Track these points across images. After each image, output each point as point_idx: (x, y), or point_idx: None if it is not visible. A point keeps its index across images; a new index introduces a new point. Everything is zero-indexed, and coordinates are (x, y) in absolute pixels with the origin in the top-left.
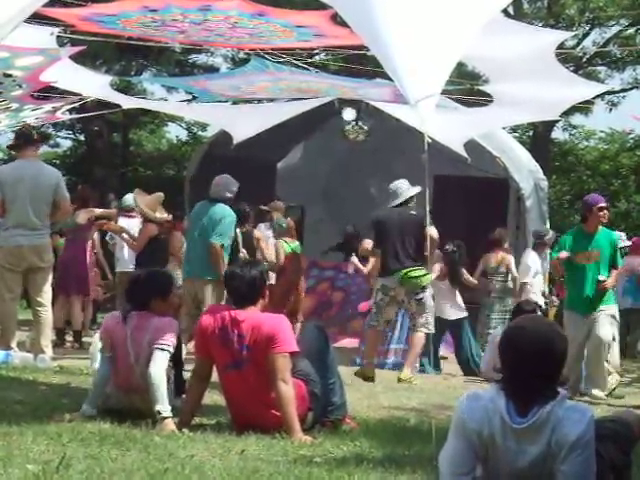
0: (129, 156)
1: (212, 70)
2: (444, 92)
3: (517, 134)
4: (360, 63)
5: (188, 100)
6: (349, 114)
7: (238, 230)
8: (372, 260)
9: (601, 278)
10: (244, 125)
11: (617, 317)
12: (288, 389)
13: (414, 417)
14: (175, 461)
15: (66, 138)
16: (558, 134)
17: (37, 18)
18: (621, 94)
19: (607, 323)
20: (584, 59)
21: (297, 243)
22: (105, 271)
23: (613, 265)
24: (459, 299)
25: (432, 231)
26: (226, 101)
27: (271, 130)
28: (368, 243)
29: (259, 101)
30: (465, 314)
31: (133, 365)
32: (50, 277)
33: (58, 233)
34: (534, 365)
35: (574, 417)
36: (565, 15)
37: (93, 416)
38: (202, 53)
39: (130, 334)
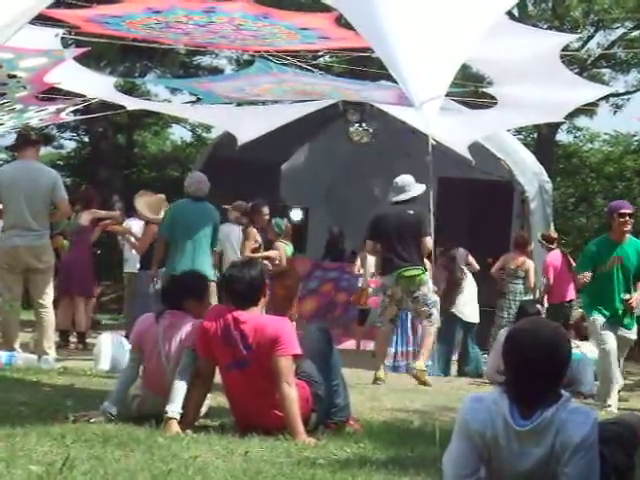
0: (133, 157)
1: (216, 72)
2: (448, 94)
3: (521, 136)
4: (364, 65)
5: (192, 102)
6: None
7: None
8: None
9: (626, 297)
10: (248, 127)
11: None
12: (291, 391)
13: (418, 419)
14: (179, 462)
15: (70, 139)
16: (562, 136)
17: (41, 19)
18: (626, 96)
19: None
20: (589, 61)
21: (291, 245)
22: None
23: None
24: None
25: (428, 242)
26: (230, 103)
27: (275, 132)
28: (370, 244)
29: (263, 103)
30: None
31: (164, 365)
32: (51, 278)
33: (61, 234)
34: (538, 368)
35: (578, 419)
36: (570, 17)
37: (112, 414)
38: (206, 55)
39: (162, 333)
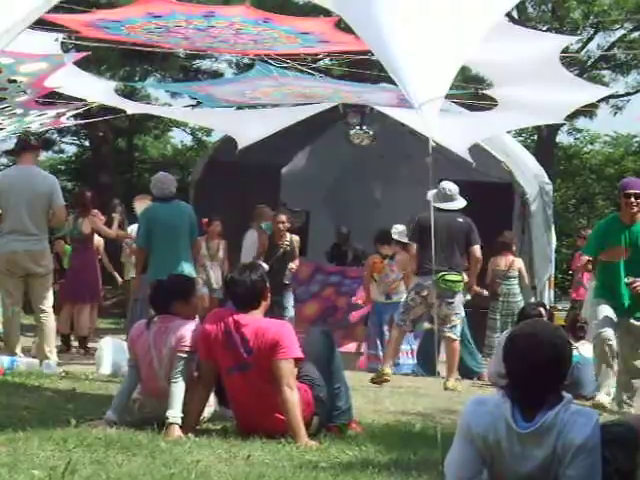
0: (134, 162)
1: (216, 75)
2: (448, 96)
3: (522, 138)
4: (364, 68)
5: (192, 105)
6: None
7: None
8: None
9: (627, 280)
10: (249, 130)
11: None
12: (293, 394)
13: (420, 422)
14: (181, 466)
15: (71, 144)
16: (563, 138)
17: (41, 24)
18: (625, 98)
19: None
20: (588, 63)
21: None
22: (113, 274)
23: None
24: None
25: (477, 250)
26: (231, 106)
27: (276, 135)
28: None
29: (264, 106)
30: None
31: (157, 370)
32: (50, 283)
33: (62, 239)
34: (538, 370)
35: (580, 421)
36: (569, 19)
37: (115, 422)
38: (206, 58)
39: (153, 338)
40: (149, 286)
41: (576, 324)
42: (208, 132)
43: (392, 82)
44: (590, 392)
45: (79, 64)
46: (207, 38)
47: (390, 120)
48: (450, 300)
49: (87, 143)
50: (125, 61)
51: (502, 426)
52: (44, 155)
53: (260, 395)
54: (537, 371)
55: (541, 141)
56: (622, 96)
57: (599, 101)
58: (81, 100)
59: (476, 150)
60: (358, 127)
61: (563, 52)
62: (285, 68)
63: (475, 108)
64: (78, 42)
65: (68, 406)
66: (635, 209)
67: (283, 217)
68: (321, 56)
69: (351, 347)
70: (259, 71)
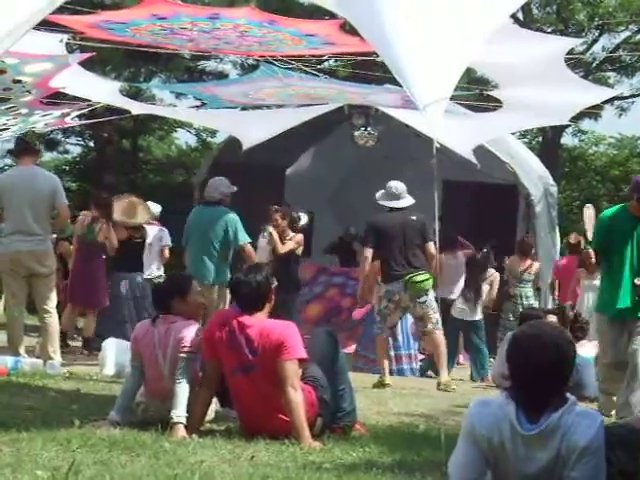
0: (138, 162)
1: (221, 76)
2: (453, 98)
3: (526, 140)
4: (369, 69)
5: (197, 106)
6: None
7: None
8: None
9: (637, 282)
10: (253, 131)
11: None
12: (297, 395)
13: (423, 423)
14: (185, 467)
15: (76, 144)
16: (567, 139)
17: (46, 25)
18: (630, 99)
19: None
20: (593, 65)
21: None
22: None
23: None
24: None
25: (431, 247)
26: (235, 107)
27: (280, 136)
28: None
29: (268, 107)
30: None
31: (162, 370)
32: (54, 283)
33: (67, 240)
34: (542, 371)
35: (584, 423)
36: (574, 21)
37: (119, 423)
38: (211, 59)
39: (158, 339)
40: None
41: (576, 324)
42: (213, 133)
43: (397, 83)
44: (593, 393)
45: (84, 65)
46: (212, 40)
47: (395, 121)
48: (422, 300)
49: (92, 144)
50: (130, 62)
51: (506, 428)
52: (48, 155)
53: (264, 396)
54: (541, 373)
55: (546, 143)
56: (627, 98)
57: (604, 103)
58: (86, 100)
59: (481, 151)
60: (363, 128)
61: (568, 54)
62: (290, 69)
63: (480, 109)
64: (83, 43)
65: (72, 407)
66: None
67: (276, 216)
68: (326, 57)
69: (353, 349)
70: (264, 72)
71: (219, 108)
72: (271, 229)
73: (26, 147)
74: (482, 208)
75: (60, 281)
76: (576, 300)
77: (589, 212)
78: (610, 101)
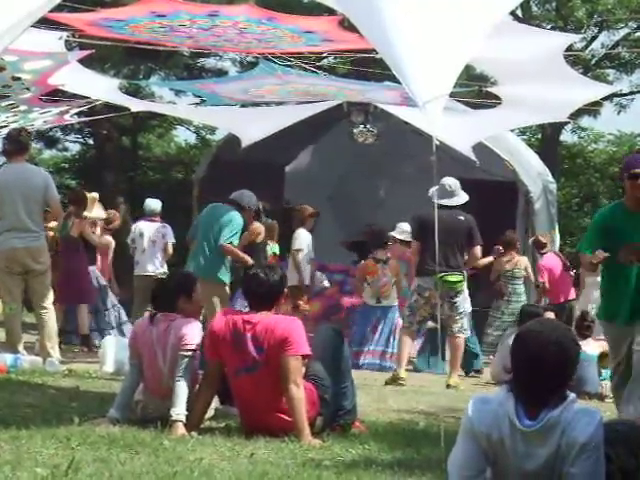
0: (138, 160)
1: (220, 73)
2: (452, 95)
3: (526, 137)
4: (368, 66)
5: (196, 103)
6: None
7: None
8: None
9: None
10: (252, 128)
11: None
12: (299, 392)
13: (423, 420)
14: (184, 464)
15: (75, 142)
16: (567, 137)
17: (45, 23)
18: (630, 96)
19: None
20: (593, 61)
21: (277, 245)
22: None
23: None
24: None
25: (478, 251)
26: (235, 104)
27: (279, 133)
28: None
29: (267, 104)
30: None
31: (162, 368)
32: (49, 280)
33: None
34: (546, 368)
35: (584, 420)
36: (574, 17)
37: (118, 420)
38: (210, 57)
39: (157, 337)
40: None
41: (583, 322)
42: (212, 130)
43: (396, 80)
44: (594, 389)
45: (83, 62)
46: (211, 37)
47: (394, 118)
48: (453, 300)
49: (91, 141)
50: (129, 59)
51: (506, 424)
52: (47, 153)
53: (266, 397)
54: (543, 371)
55: (545, 140)
56: (626, 95)
57: (603, 100)
58: (85, 98)
59: (480, 148)
60: (362, 125)
61: (567, 51)
62: (289, 66)
63: (479, 106)
64: (82, 40)
65: (71, 404)
66: None
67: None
68: (325, 55)
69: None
70: (263, 69)
71: (218, 105)
72: None
73: (16, 145)
74: (481, 205)
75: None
76: (578, 297)
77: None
78: (609, 98)
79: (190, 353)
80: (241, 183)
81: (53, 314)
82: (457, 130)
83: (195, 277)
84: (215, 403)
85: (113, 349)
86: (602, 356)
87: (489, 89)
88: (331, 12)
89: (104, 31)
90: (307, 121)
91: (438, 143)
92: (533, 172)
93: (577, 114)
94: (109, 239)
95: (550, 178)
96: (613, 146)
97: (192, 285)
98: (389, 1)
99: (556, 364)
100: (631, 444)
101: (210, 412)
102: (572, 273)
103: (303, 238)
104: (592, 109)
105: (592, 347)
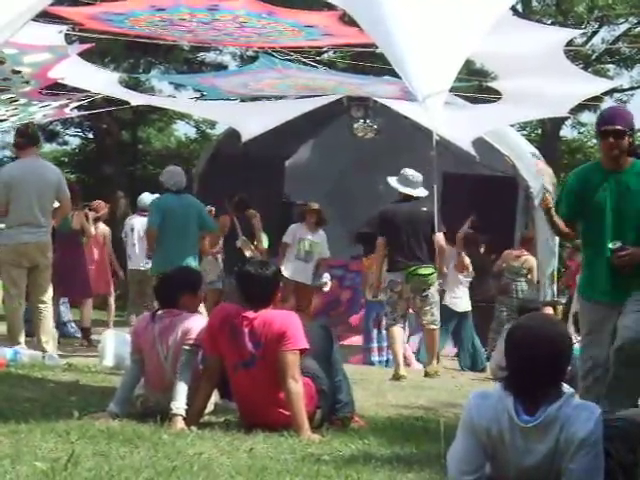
0: (138, 154)
1: (220, 68)
2: (452, 89)
3: (525, 132)
4: (368, 60)
5: (197, 97)
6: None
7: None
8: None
9: (612, 246)
10: (252, 123)
11: None
12: (297, 386)
13: (422, 415)
14: (183, 459)
15: (75, 136)
16: (567, 132)
17: (45, 17)
18: (630, 92)
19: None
20: (593, 57)
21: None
22: (116, 271)
23: None
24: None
25: (440, 238)
26: (235, 99)
27: (279, 128)
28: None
29: (267, 99)
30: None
31: (163, 364)
32: (50, 275)
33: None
34: (539, 363)
35: (583, 415)
36: (574, 13)
37: (117, 415)
38: (210, 51)
39: (158, 333)
40: (154, 279)
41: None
42: (212, 125)
43: (396, 75)
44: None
45: (83, 56)
46: (211, 31)
47: (394, 113)
48: (424, 294)
49: (91, 135)
50: (129, 53)
51: (505, 419)
52: (47, 147)
53: (264, 392)
54: (534, 365)
55: (545, 135)
56: (626, 90)
57: (603, 95)
58: (85, 91)
59: (480, 143)
60: (362, 120)
61: (567, 46)
62: (289, 61)
63: (479, 101)
64: (82, 34)
65: (71, 398)
66: (616, 152)
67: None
68: (325, 49)
69: (354, 340)
70: (263, 63)
71: (218, 99)
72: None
73: (28, 138)
74: (481, 200)
75: None
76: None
77: None
78: (609, 93)
79: (193, 348)
80: (241, 177)
81: (51, 309)
82: (457, 125)
83: (200, 273)
84: (215, 397)
85: (113, 343)
86: None
87: (489, 84)
88: (330, 7)
89: (104, 25)
90: (307, 116)
91: (438, 138)
92: (532, 167)
93: (577, 109)
94: (105, 228)
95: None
96: None
97: (198, 282)
98: None
99: (547, 359)
100: (630, 439)
101: (210, 407)
102: None
103: (290, 232)
104: (592, 104)
105: None
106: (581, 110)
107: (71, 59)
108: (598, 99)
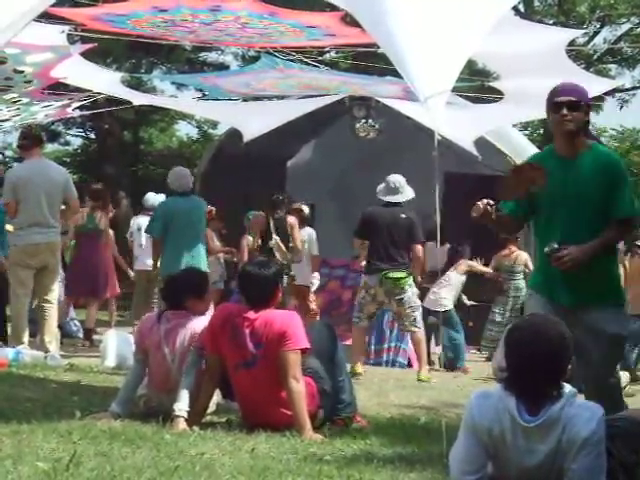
0: (140, 154)
1: (222, 68)
2: (454, 89)
3: (528, 132)
4: (370, 61)
5: (199, 97)
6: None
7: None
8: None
9: (547, 249)
10: (254, 123)
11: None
12: (299, 386)
13: (424, 415)
14: (185, 459)
15: (77, 136)
16: None
17: (47, 17)
18: (632, 92)
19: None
20: (595, 57)
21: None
22: (125, 269)
23: (615, 218)
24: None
25: (419, 250)
26: (237, 99)
27: (281, 128)
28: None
29: (269, 99)
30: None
31: (169, 365)
32: (57, 275)
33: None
34: (538, 363)
35: (585, 415)
36: (576, 13)
37: (120, 415)
38: (212, 51)
39: (164, 334)
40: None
41: None
42: (214, 125)
43: (398, 75)
44: None
45: (85, 56)
46: (213, 32)
47: (396, 113)
48: (399, 297)
49: (93, 135)
50: (131, 53)
51: (507, 419)
52: (49, 147)
53: (266, 391)
54: (534, 365)
55: (547, 135)
56: (628, 90)
57: (605, 95)
58: (87, 91)
59: (482, 143)
60: (364, 120)
61: (569, 46)
62: (291, 61)
63: (481, 101)
64: (84, 34)
65: (73, 398)
66: (570, 126)
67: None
68: (327, 49)
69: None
70: (265, 63)
71: (220, 99)
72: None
73: (33, 139)
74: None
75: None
76: None
77: None
78: (611, 93)
79: (200, 349)
80: (243, 177)
81: (56, 309)
82: (459, 125)
83: (207, 276)
84: (217, 398)
85: (115, 343)
86: None
87: (491, 84)
88: (332, 8)
89: (106, 25)
90: (309, 116)
91: (440, 138)
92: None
93: None
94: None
95: None
96: (615, 141)
97: (204, 285)
98: None
99: (546, 358)
100: (632, 439)
101: (212, 407)
102: None
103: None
104: (594, 104)
105: None
106: None
107: (73, 59)
108: (600, 99)
